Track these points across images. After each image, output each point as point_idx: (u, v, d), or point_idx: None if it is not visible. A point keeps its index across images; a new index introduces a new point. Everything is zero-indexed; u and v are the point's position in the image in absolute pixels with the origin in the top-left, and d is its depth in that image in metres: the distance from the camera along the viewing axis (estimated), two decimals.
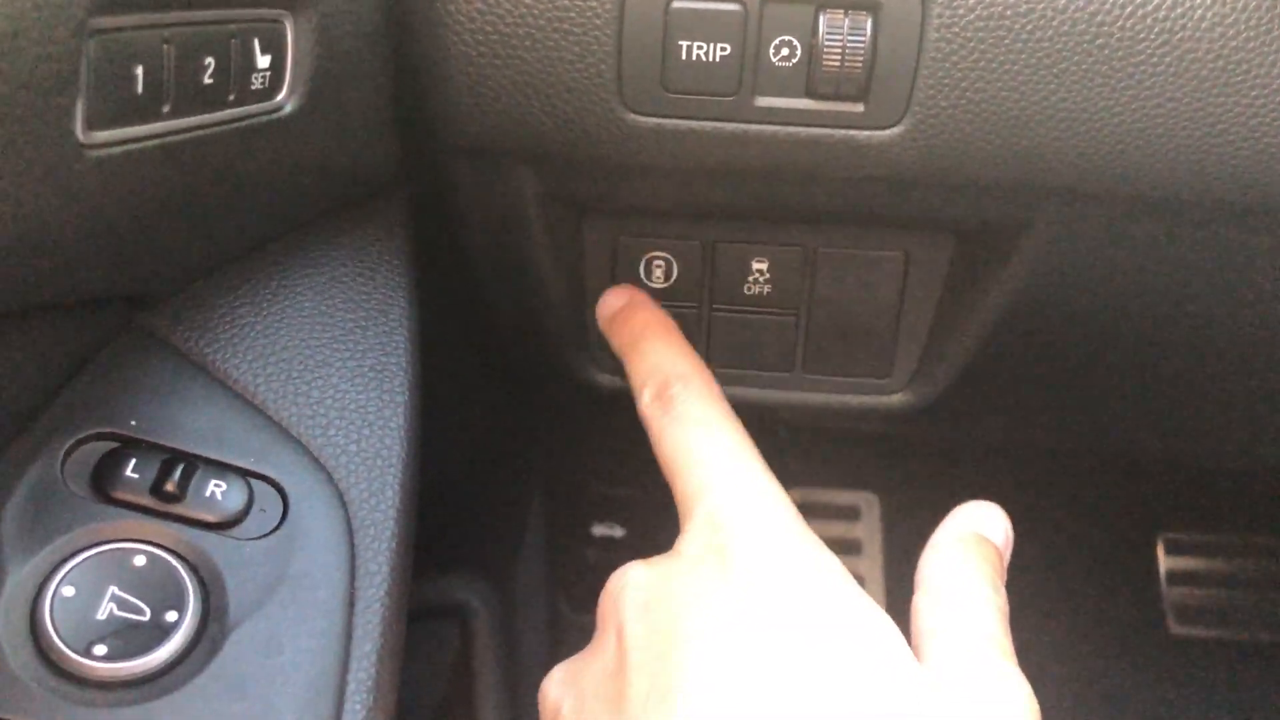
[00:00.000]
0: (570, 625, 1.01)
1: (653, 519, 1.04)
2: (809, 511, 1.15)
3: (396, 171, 0.51)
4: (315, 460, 0.42)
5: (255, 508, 0.40)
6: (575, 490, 1.05)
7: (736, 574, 0.38)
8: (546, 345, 0.60)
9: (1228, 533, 1.09)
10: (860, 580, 1.11)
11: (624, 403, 0.62)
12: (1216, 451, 0.71)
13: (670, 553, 0.41)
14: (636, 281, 0.57)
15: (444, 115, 0.47)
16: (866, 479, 1.13)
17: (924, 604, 0.39)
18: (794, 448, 1.08)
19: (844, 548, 1.10)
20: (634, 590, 0.40)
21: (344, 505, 0.41)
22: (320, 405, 0.43)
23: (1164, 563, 1.09)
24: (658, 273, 0.57)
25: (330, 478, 0.42)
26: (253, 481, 0.40)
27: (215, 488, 0.40)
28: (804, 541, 0.39)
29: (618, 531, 1.07)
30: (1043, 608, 1.05)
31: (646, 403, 0.47)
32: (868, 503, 1.13)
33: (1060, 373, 0.62)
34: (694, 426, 0.44)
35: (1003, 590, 0.39)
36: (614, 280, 0.58)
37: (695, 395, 0.46)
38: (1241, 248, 0.50)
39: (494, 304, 0.61)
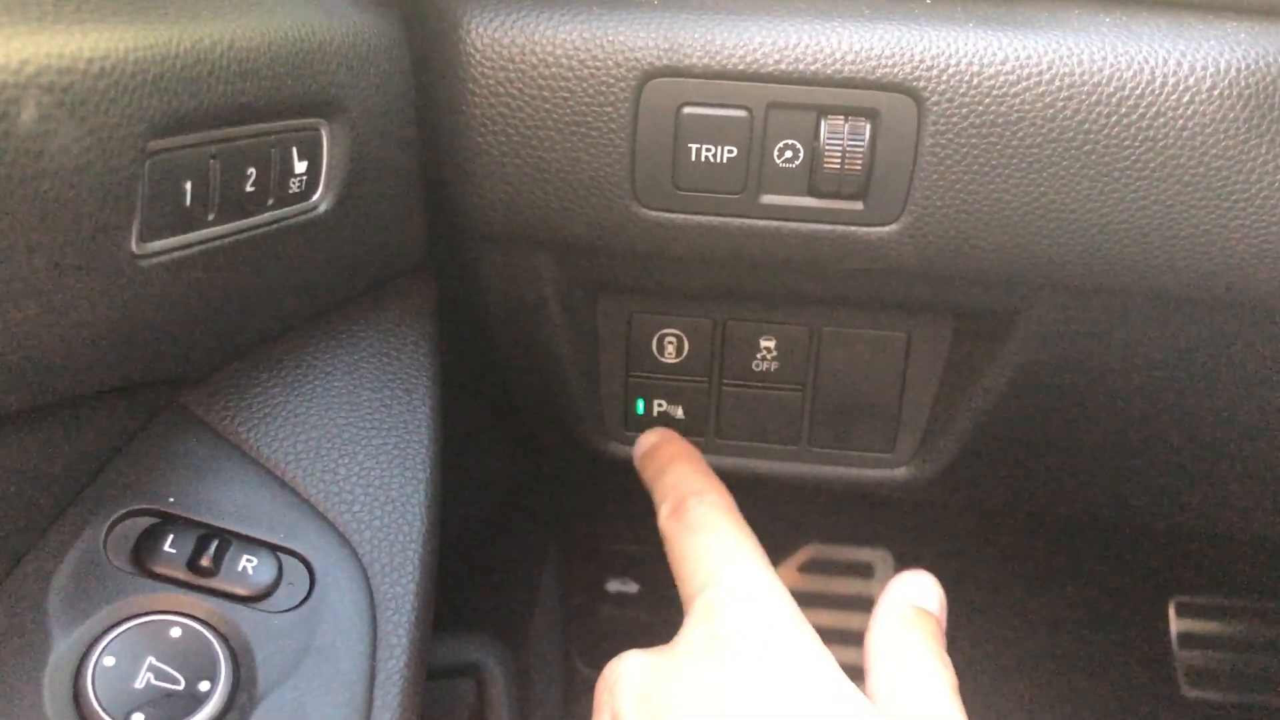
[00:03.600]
0: (584, 681, 1.02)
1: (666, 575, 1.05)
2: (823, 568, 1.14)
3: (423, 256, 0.53)
4: (340, 535, 0.44)
5: (284, 582, 0.42)
6: (590, 547, 1.06)
7: (732, 665, 0.40)
8: (562, 417, 0.63)
9: (1240, 596, 1.09)
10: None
11: (622, 471, 0.64)
12: (1220, 520, 0.72)
13: (669, 644, 0.43)
14: (649, 357, 0.60)
15: (468, 207, 0.50)
16: (881, 536, 1.13)
17: (879, 690, 0.41)
18: (809, 504, 1.09)
19: (857, 604, 1.10)
20: (631, 679, 0.42)
21: (367, 579, 0.43)
22: (346, 482, 0.46)
23: (1175, 625, 1.09)
24: (669, 349, 0.60)
25: (354, 552, 0.44)
26: (282, 556, 0.43)
27: (247, 563, 0.42)
28: (799, 635, 0.41)
29: (632, 587, 1.08)
30: (1054, 669, 1.06)
31: (664, 516, 0.49)
32: (882, 559, 1.13)
33: (1060, 447, 0.63)
34: (703, 532, 0.46)
35: (948, 661, 0.41)
36: (628, 356, 0.60)
37: (708, 506, 0.48)
38: (1223, 336, 0.52)
39: (512, 377, 0.63)
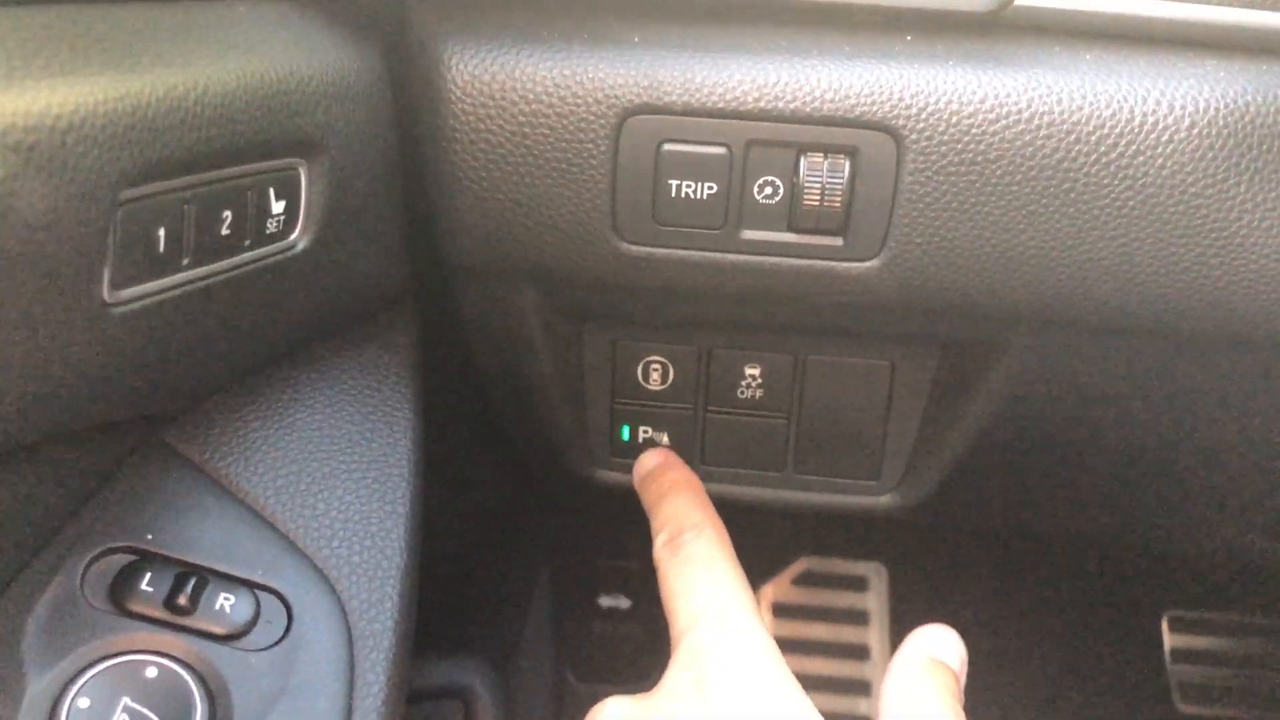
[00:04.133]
0: (576, 696, 1.02)
1: (657, 590, 1.05)
2: (818, 581, 1.14)
3: (405, 289, 0.53)
4: (319, 572, 0.44)
5: (261, 620, 0.42)
6: (582, 563, 1.06)
7: (712, 706, 0.40)
8: (548, 445, 0.63)
9: (1233, 612, 1.09)
10: (865, 651, 1.11)
11: (625, 493, 0.64)
12: (1206, 543, 0.72)
13: (654, 689, 0.43)
14: (634, 385, 0.60)
15: (450, 241, 0.50)
16: (876, 549, 1.13)
17: None
18: (803, 518, 1.09)
19: (851, 618, 1.11)
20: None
21: (345, 616, 0.43)
22: (325, 518, 0.46)
23: (1169, 640, 1.09)
24: (654, 376, 0.60)
25: (333, 589, 0.44)
26: (260, 594, 0.43)
27: (225, 601, 0.42)
28: (778, 679, 0.41)
29: (624, 603, 1.08)
30: (1049, 684, 1.06)
31: (659, 546, 0.50)
32: (876, 573, 1.14)
33: (1045, 475, 0.63)
34: (695, 569, 0.47)
35: (962, 714, 0.41)
36: (613, 383, 0.60)
37: (704, 541, 0.48)
38: (1204, 367, 0.52)
39: (498, 406, 0.63)
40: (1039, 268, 0.47)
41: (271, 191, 0.41)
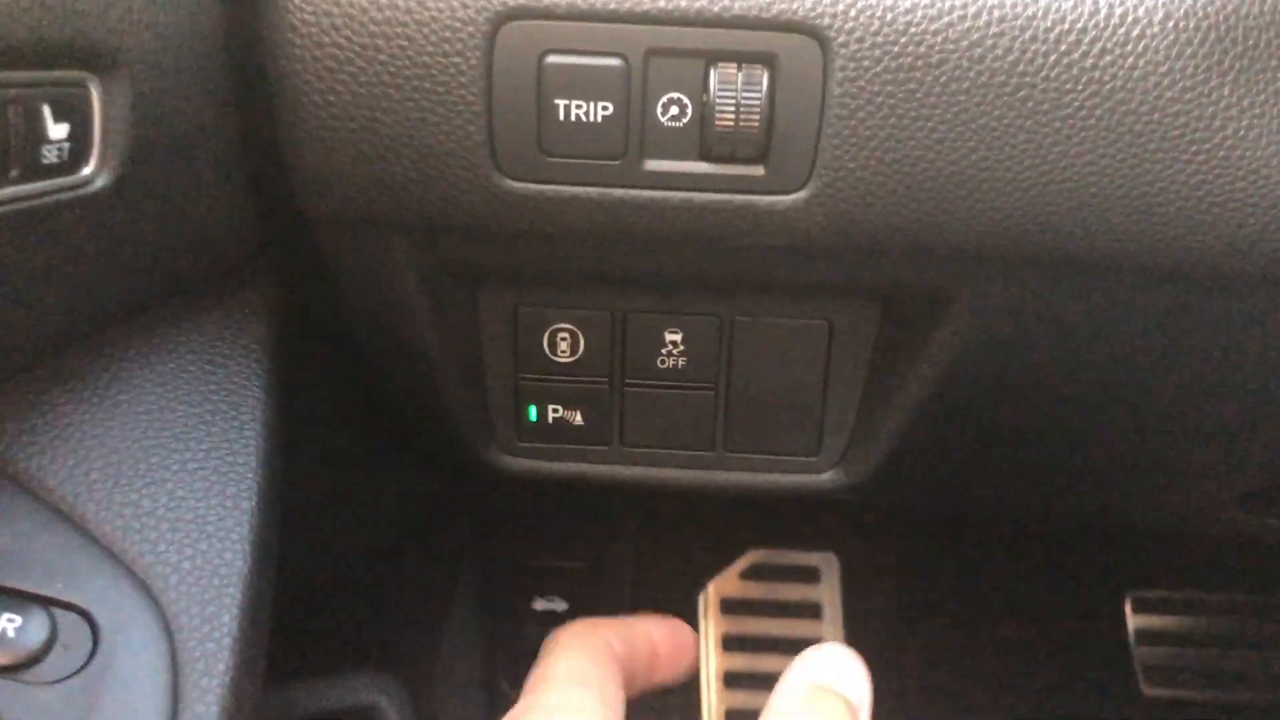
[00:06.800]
0: (512, 705, 0.97)
1: (596, 591, 1.01)
2: (768, 574, 1.10)
3: (255, 244, 0.46)
4: (138, 582, 0.37)
5: (58, 644, 0.36)
6: (512, 564, 1.01)
7: None
8: (445, 429, 0.57)
9: (1197, 590, 1.08)
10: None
11: (539, 482, 0.58)
12: (1176, 519, 0.70)
13: None
14: (540, 357, 0.54)
15: (299, 182, 0.43)
16: (826, 538, 1.10)
17: None
18: (749, 507, 1.06)
19: (803, 611, 1.07)
20: None
21: (169, 634, 0.37)
22: (150, 517, 0.39)
23: (1133, 622, 1.08)
24: (563, 346, 0.54)
25: (155, 602, 0.37)
26: (56, 612, 0.36)
27: (9, 622, 0.35)
28: None
29: (560, 605, 1.03)
30: (1011, 670, 1.04)
31: None
32: (827, 563, 1.10)
33: (1003, 445, 0.59)
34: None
35: None
36: (515, 356, 0.54)
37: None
38: (1181, 312, 0.48)
39: (384, 385, 0.57)
40: (992, 193, 0.42)
41: (47, 110, 0.33)
